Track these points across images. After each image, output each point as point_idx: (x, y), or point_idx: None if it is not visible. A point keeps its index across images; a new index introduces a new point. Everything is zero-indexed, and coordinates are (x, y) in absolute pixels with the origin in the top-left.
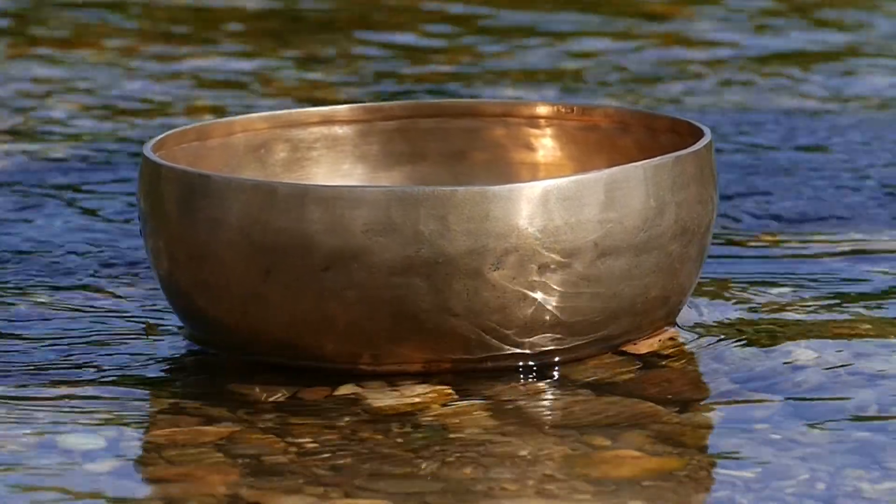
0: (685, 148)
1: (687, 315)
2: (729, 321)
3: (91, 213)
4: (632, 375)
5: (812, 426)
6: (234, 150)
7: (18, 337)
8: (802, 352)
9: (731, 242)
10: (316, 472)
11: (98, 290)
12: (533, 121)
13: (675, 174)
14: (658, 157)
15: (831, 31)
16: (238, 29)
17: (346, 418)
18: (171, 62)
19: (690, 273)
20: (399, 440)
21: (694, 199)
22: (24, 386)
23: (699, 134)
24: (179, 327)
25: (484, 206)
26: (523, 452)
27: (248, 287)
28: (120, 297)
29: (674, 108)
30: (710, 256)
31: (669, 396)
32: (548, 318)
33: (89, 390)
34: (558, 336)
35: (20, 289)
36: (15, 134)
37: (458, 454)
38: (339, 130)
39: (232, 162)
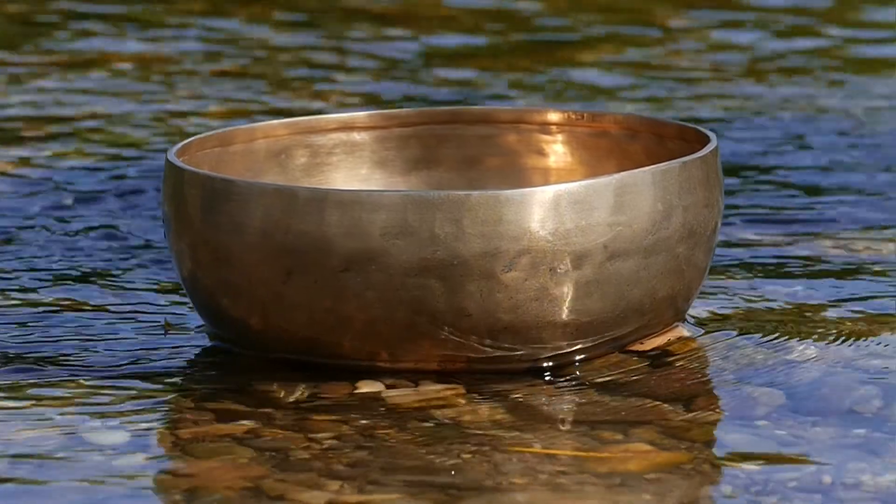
0: (692, 154)
1: (693, 313)
2: (733, 319)
3: (115, 213)
4: (640, 373)
5: (815, 421)
6: (255, 155)
7: (41, 333)
8: (806, 348)
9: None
10: (334, 467)
11: (120, 288)
12: (545, 127)
13: (682, 179)
14: (666, 163)
15: None
16: None
17: (364, 414)
18: None
19: (697, 274)
20: (414, 436)
21: (701, 202)
22: (47, 382)
23: (706, 140)
24: (199, 325)
25: (497, 210)
26: (534, 448)
27: (269, 288)
28: (142, 295)
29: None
30: (716, 255)
31: (676, 393)
32: (558, 318)
33: (112, 386)
34: (569, 336)
35: (41, 286)
36: (48, 136)
37: (471, 450)
38: (357, 136)
39: (253, 167)
